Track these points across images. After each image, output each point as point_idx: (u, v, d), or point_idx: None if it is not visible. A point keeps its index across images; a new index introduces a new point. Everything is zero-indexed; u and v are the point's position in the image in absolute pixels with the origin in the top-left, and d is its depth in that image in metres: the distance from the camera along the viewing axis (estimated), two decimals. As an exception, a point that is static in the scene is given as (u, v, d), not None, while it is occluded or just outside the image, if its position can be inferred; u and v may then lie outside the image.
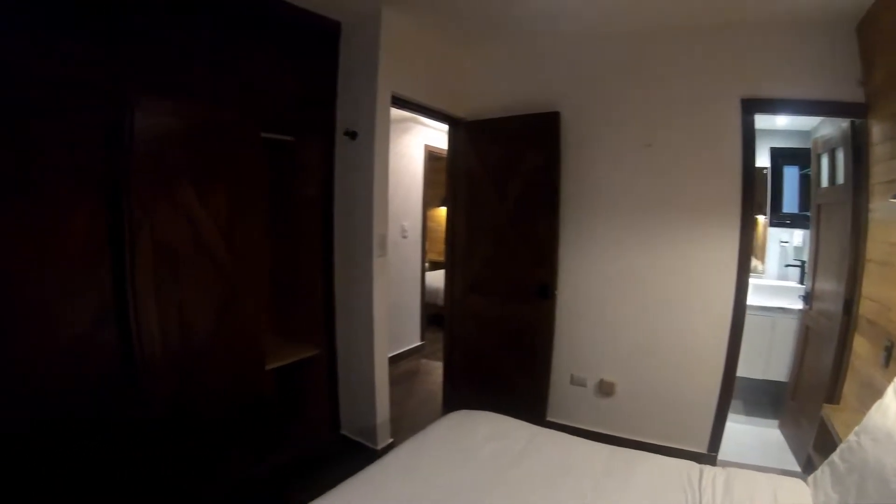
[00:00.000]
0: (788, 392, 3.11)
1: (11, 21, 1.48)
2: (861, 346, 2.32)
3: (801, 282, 3.55)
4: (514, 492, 1.49)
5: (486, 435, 1.84)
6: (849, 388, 2.39)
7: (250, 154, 2.19)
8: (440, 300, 4.96)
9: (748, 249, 2.58)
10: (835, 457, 1.49)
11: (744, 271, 2.58)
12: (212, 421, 2.10)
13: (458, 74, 3.12)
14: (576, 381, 2.94)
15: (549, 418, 2.93)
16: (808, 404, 2.77)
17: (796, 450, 2.78)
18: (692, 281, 2.67)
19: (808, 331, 2.97)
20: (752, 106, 2.52)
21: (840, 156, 2.70)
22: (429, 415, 3.17)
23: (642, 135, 2.73)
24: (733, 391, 2.68)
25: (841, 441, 1.66)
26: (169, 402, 1.93)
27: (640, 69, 2.74)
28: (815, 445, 2.39)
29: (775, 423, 3.16)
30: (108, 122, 1.71)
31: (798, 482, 1.57)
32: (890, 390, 1.48)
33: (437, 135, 4.52)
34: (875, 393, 1.87)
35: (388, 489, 1.47)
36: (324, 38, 2.54)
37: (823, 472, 1.50)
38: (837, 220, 2.67)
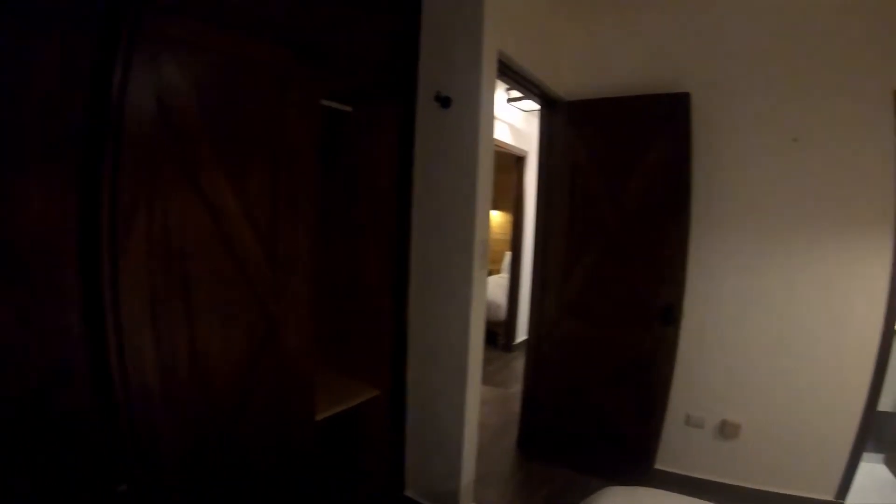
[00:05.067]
0: (906, 424, 2.79)
1: None
2: None
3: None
4: None
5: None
6: None
7: (305, 124, 1.48)
8: (493, 314, 4.53)
9: None
10: None
11: (895, 294, 2.18)
12: (243, 488, 1.41)
13: (560, 46, 2.51)
14: (692, 422, 2.44)
15: (657, 466, 2.42)
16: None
17: None
18: (836, 305, 2.22)
19: None
20: None
21: None
22: (502, 459, 2.59)
23: (787, 127, 2.24)
24: (871, 430, 2.30)
25: None
26: (179, 469, 1.24)
27: (784, 49, 2.25)
28: None
29: (879, 457, 2.84)
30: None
31: None
32: None
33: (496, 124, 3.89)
34: None
35: None
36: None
37: None
38: None
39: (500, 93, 3.76)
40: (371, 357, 2.05)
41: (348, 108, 2.04)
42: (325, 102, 1.89)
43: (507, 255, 5.27)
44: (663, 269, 2.29)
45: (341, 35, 1.63)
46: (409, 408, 2.08)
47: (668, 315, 2.27)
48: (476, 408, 2.00)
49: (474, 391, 1.96)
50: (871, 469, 2.69)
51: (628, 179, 2.34)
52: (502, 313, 4.65)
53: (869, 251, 2.18)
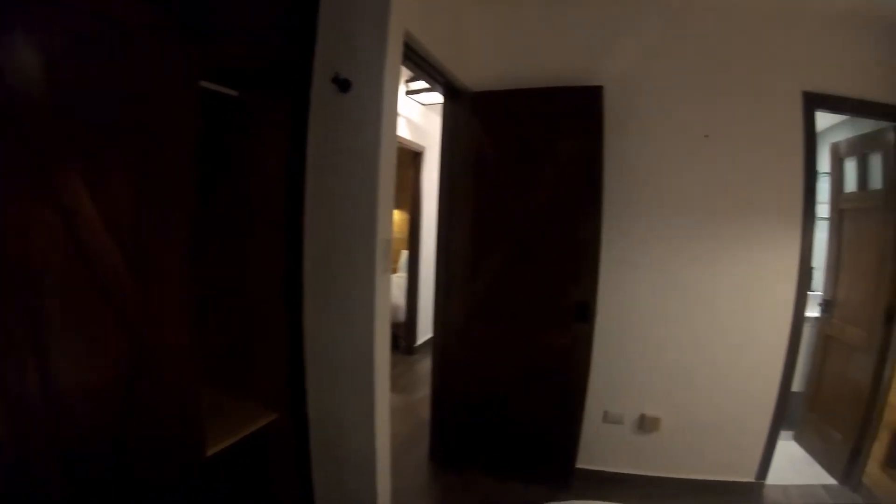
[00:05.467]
0: (805, 403, 2.93)
1: None
2: None
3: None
4: None
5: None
6: None
7: (180, 107, 1.23)
8: (393, 315, 4.24)
9: (809, 258, 2.28)
10: None
11: (804, 282, 2.28)
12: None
13: (469, 33, 2.39)
14: (610, 419, 2.43)
15: (579, 465, 2.38)
16: (838, 416, 2.61)
17: (827, 463, 2.62)
18: (748, 293, 2.31)
19: (829, 340, 2.82)
20: (814, 101, 2.24)
21: (877, 161, 2.54)
22: (415, 473, 2.45)
23: (698, 124, 2.29)
24: (786, 412, 2.40)
25: None
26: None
27: (698, 47, 2.29)
28: (885, 460, 2.20)
29: (788, 434, 3.00)
30: None
31: None
32: None
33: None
34: None
35: None
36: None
37: None
38: (871, 225, 2.51)
39: (399, 84, 3.63)
40: (266, 374, 1.82)
41: (233, 92, 1.78)
42: (206, 84, 1.63)
43: (405, 254, 5.12)
44: (576, 266, 2.25)
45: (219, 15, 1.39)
46: (313, 426, 1.87)
47: (583, 312, 2.23)
48: (386, 420, 1.84)
49: (383, 403, 1.79)
50: (782, 447, 2.83)
51: (538, 174, 2.27)
52: (401, 314, 4.51)
53: (779, 243, 2.28)
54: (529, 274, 2.32)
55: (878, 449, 2.30)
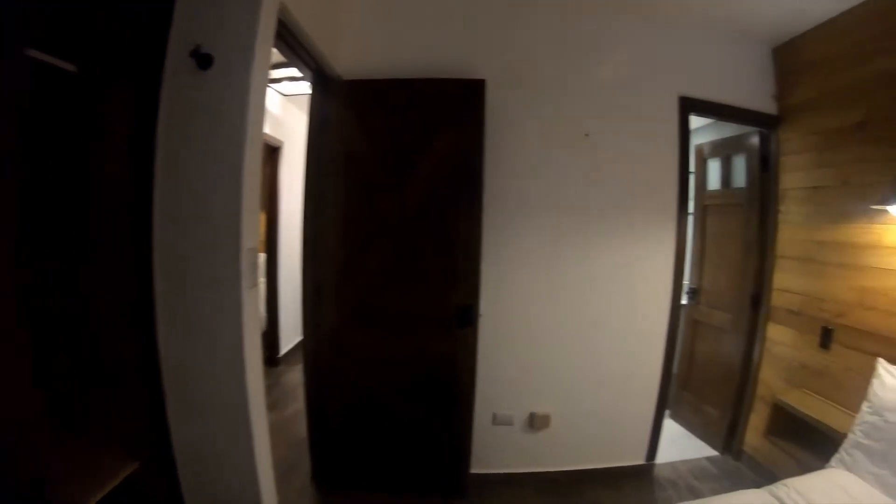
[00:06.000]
0: (678, 384, 3.23)
1: None
2: (782, 334, 2.43)
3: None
4: None
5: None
6: (769, 374, 2.50)
7: None
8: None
9: (683, 252, 2.47)
10: (859, 440, 1.64)
11: (679, 273, 2.46)
12: None
13: (343, 15, 2.20)
14: (500, 421, 2.43)
15: (473, 470, 2.32)
16: (712, 393, 2.89)
17: (707, 436, 2.89)
18: (628, 287, 2.44)
19: (697, 325, 3.11)
20: (689, 104, 2.41)
21: (740, 162, 2.81)
22: (300, 500, 2.24)
23: (580, 123, 2.33)
24: (668, 397, 2.59)
25: (819, 421, 1.96)
26: None
27: (581, 44, 2.33)
28: (767, 429, 2.45)
29: (665, 413, 3.26)
30: None
31: (835, 471, 1.64)
32: (883, 371, 1.70)
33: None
34: (814, 374, 2.19)
35: None
36: None
37: (852, 455, 1.64)
38: (735, 220, 2.78)
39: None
40: (120, 416, 1.49)
41: (70, 67, 1.39)
42: (36, 55, 1.24)
43: (262, 257, 4.82)
44: (457, 267, 2.17)
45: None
46: (182, 467, 1.58)
47: (466, 315, 2.17)
48: (267, 450, 1.61)
49: (261, 432, 1.56)
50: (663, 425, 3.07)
51: (415, 171, 2.16)
52: (262, 323, 4.13)
53: (657, 237, 2.41)
54: (409, 277, 2.20)
55: (756, 420, 2.56)
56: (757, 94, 2.48)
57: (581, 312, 2.41)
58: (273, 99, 3.76)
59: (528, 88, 2.31)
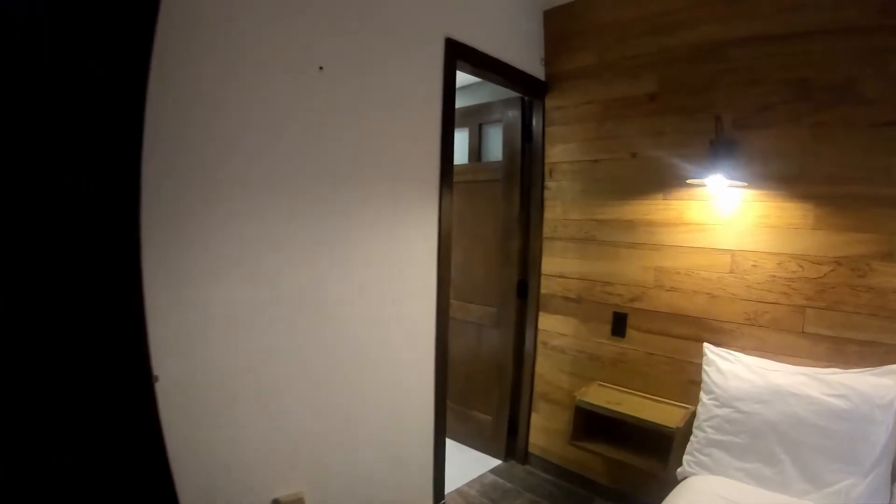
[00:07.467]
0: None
1: None
2: (560, 325, 2.24)
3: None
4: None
5: None
6: (548, 369, 2.32)
7: None
8: None
9: (449, 237, 1.90)
10: (713, 436, 1.51)
11: (444, 263, 1.90)
12: None
13: None
14: None
15: None
16: (480, 398, 2.57)
17: (484, 445, 2.57)
18: (390, 290, 1.74)
19: (452, 323, 2.67)
20: (457, 50, 1.80)
21: (496, 133, 2.45)
22: None
23: (311, 50, 1.39)
24: (446, 425, 2.05)
25: (629, 415, 1.76)
26: None
27: None
28: (571, 436, 2.07)
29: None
30: None
31: (700, 479, 1.49)
32: (714, 356, 1.62)
33: None
34: (610, 364, 2.06)
35: None
36: None
37: (709, 454, 1.50)
38: (491, 199, 2.43)
39: None
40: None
41: None
42: None
43: None
44: (90, 303, 0.92)
45: None
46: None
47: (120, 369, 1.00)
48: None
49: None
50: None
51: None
52: None
53: (419, 220, 1.80)
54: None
55: (539, 420, 2.33)
56: (525, 57, 2.11)
57: (334, 343, 1.55)
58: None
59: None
